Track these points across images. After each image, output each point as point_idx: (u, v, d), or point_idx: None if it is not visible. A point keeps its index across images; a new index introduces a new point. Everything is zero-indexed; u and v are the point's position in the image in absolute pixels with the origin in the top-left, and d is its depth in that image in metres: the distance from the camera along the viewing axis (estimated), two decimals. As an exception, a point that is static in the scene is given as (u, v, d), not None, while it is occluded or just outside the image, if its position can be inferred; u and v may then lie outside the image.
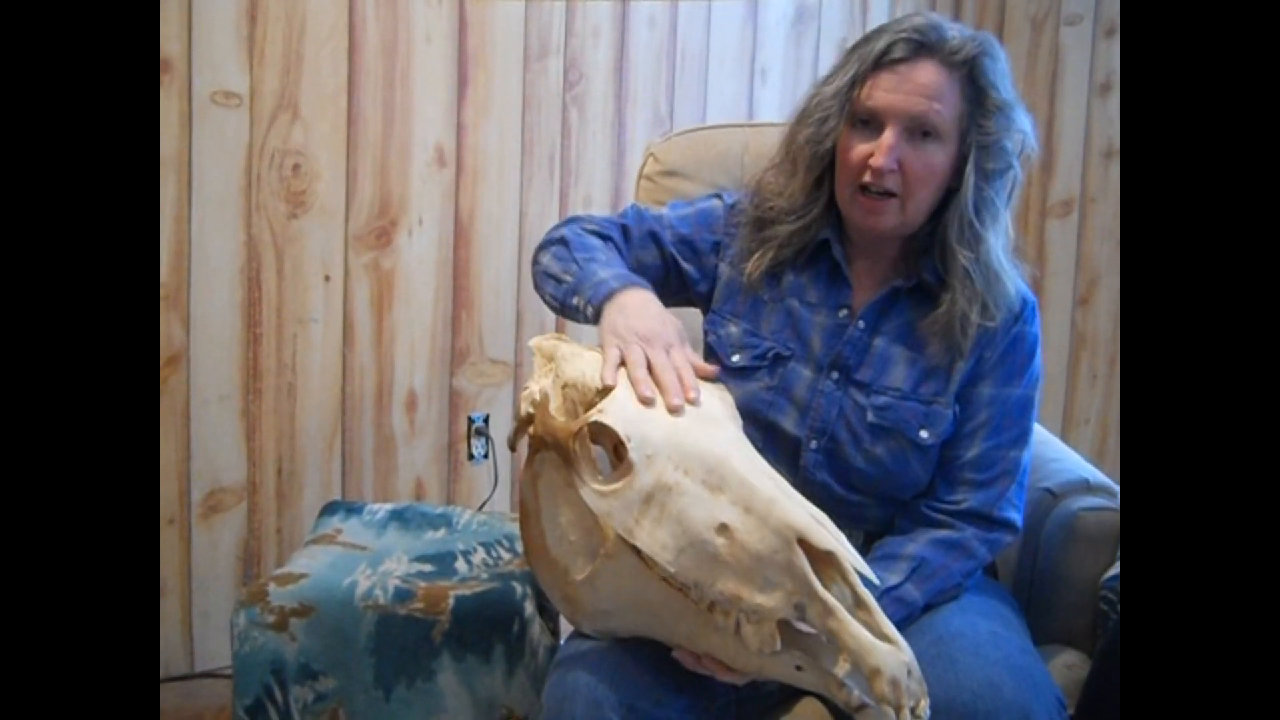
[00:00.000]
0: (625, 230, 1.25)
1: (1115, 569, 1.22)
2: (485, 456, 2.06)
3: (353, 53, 1.83)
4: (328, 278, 1.87)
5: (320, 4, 1.79)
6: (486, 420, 2.06)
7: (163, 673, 1.82)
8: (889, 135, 1.08)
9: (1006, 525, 1.14)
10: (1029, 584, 1.25)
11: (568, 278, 1.15)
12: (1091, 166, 2.63)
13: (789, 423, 1.16)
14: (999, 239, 1.13)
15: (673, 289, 1.24)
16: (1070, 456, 1.36)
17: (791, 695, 1.13)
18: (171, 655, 1.82)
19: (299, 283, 1.84)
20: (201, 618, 1.83)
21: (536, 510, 1.03)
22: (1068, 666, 1.19)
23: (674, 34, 2.17)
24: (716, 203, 1.26)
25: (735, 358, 1.19)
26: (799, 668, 0.94)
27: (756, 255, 1.19)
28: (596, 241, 1.20)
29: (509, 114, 2.01)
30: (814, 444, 1.15)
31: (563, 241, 1.19)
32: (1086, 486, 1.24)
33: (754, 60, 2.27)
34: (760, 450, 1.16)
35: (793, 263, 1.19)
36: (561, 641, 1.29)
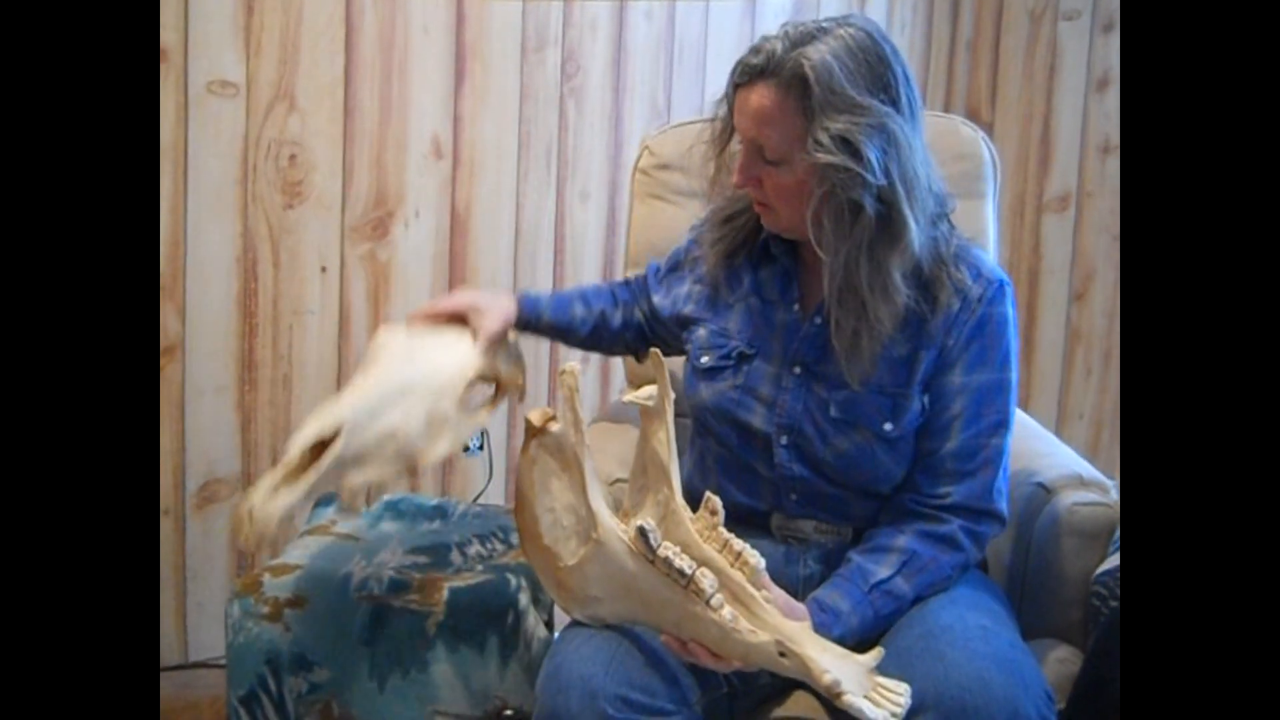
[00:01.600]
0: (628, 282, 1.40)
1: (1107, 564, 1.22)
2: (480, 449, 2.06)
3: (350, 43, 1.83)
4: (324, 269, 1.86)
5: (317, -6, 1.79)
6: (482, 412, 2.06)
7: (158, 663, 1.82)
8: (741, 155, 1.12)
9: (993, 516, 1.14)
10: (1021, 578, 1.26)
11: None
12: (1088, 162, 2.63)
13: (758, 420, 1.16)
14: (880, 261, 1.07)
15: (668, 330, 1.33)
16: (1063, 451, 1.36)
17: (785, 687, 1.13)
18: (166, 646, 1.82)
19: (295, 274, 1.84)
20: (196, 608, 1.83)
21: (532, 497, 1.06)
22: (1059, 661, 1.19)
23: (672, 26, 2.17)
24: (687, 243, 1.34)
25: (704, 359, 1.21)
26: (782, 654, 0.96)
27: (714, 244, 1.24)
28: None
29: (506, 106, 2.00)
30: (784, 439, 1.16)
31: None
32: (1079, 481, 1.24)
33: (752, 53, 2.27)
34: (735, 447, 1.19)
35: (749, 259, 1.22)
36: (556, 634, 1.29)
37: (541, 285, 2.10)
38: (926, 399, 1.13)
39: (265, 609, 1.29)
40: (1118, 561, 1.24)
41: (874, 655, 0.99)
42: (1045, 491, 1.25)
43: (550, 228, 2.09)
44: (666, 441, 1.06)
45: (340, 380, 1.91)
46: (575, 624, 1.09)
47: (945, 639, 1.00)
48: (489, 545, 1.45)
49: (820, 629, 1.03)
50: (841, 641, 1.03)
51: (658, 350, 1.08)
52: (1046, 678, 1.01)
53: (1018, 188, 2.66)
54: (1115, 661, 1.12)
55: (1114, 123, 2.61)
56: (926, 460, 1.14)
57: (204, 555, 1.83)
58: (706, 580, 0.98)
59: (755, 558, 1.01)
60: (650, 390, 1.07)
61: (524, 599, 1.35)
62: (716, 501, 1.04)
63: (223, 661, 1.37)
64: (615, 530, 1.02)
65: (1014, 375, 1.15)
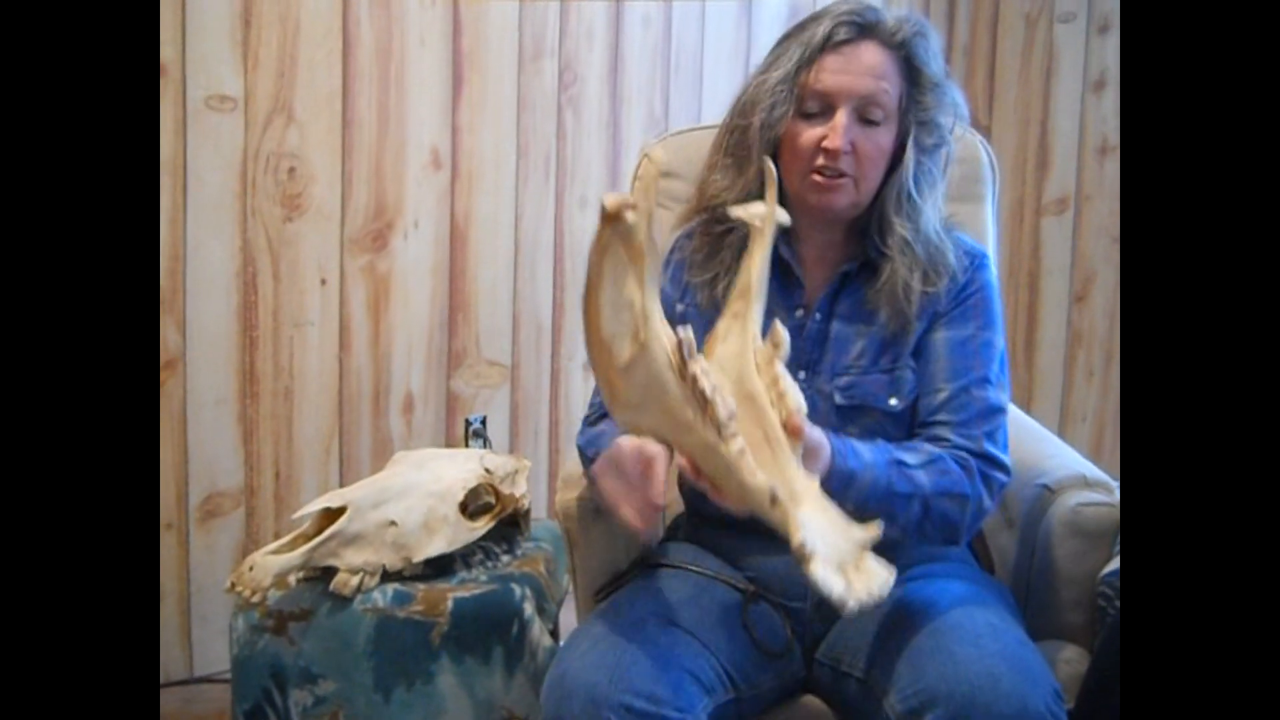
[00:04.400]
0: None
1: (1113, 564, 1.22)
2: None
3: (347, 55, 1.83)
4: (324, 281, 1.87)
5: (314, 7, 1.79)
6: (484, 422, 2.06)
7: (162, 678, 1.81)
8: (841, 117, 1.10)
9: (996, 463, 1.12)
10: (1027, 580, 1.25)
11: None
12: (1086, 163, 2.63)
13: None
14: (934, 211, 1.15)
15: None
16: (1067, 452, 1.36)
17: (788, 694, 1.12)
18: (170, 660, 1.82)
19: (295, 286, 1.84)
20: (200, 622, 1.83)
21: (598, 283, 0.96)
22: (1066, 662, 1.19)
23: (668, 33, 2.18)
24: None
25: None
26: (772, 501, 0.88)
27: (724, 278, 1.16)
28: (595, 429, 1.23)
29: (504, 116, 2.01)
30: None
31: (581, 454, 1.23)
32: (1084, 482, 1.24)
33: (749, 59, 2.27)
34: None
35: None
36: (561, 643, 1.28)
37: (541, 293, 2.10)
38: (914, 363, 1.14)
39: (270, 622, 1.29)
40: (1123, 562, 1.24)
41: (872, 530, 0.92)
42: (1049, 492, 1.25)
43: (550, 236, 2.10)
44: (760, 262, 1.01)
45: (341, 392, 1.91)
46: (580, 630, 1.08)
47: (954, 636, 1.00)
48: (493, 555, 1.45)
49: (836, 456, 1.02)
50: (852, 479, 1.01)
51: (770, 162, 1.04)
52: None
53: (1016, 191, 2.67)
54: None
55: (1111, 124, 2.61)
56: (921, 418, 1.14)
57: (207, 569, 1.82)
58: (724, 408, 0.90)
59: (796, 399, 0.96)
60: (760, 208, 1.03)
61: (529, 609, 1.35)
62: (782, 333, 0.99)
63: (227, 676, 1.37)
64: (660, 335, 0.94)
65: (998, 339, 1.16)
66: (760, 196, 1.15)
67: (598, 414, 1.25)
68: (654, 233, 0.95)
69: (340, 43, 1.82)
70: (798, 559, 0.85)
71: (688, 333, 0.92)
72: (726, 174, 1.18)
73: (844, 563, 0.86)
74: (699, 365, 0.90)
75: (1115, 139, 2.60)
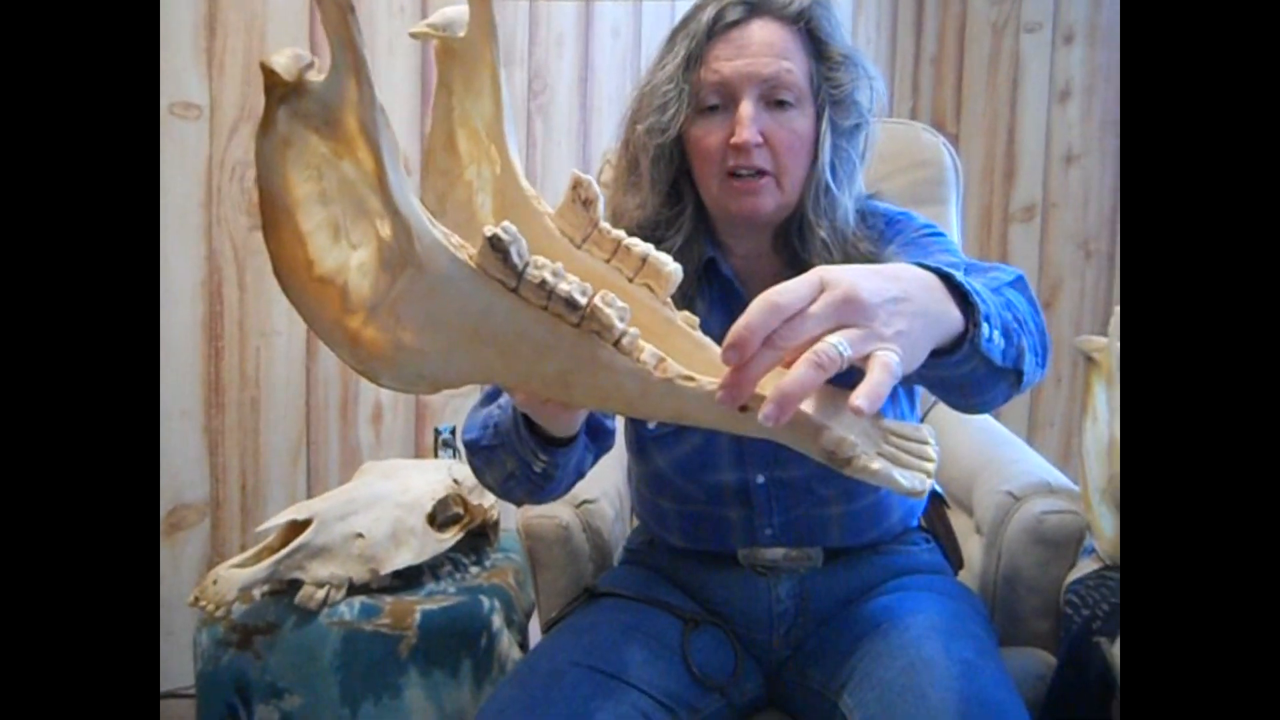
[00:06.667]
0: None
1: (1079, 572, 1.23)
2: (454, 455, 2.05)
3: (314, 63, 1.82)
4: (291, 290, 1.85)
5: (281, 13, 1.78)
6: (454, 432, 2.05)
7: (126, 693, 1.79)
8: (746, 106, 0.97)
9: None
10: (993, 586, 1.26)
11: (497, 442, 0.93)
12: (1052, 172, 2.66)
13: (728, 475, 1.06)
14: (851, 201, 1.02)
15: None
16: (1031, 458, 1.37)
17: (747, 712, 1.08)
18: (135, 675, 1.80)
19: (261, 295, 1.82)
20: (165, 636, 1.81)
21: (290, 202, 0.64)
22: (1037, 677, 1.18)
23: (638, 41, 2.18)
24: None
25: (652, 424, 1.06)
26: (743, 407, 0.61)
27: None
28: (481, 412, 1.00)
29: (473, 124, 2.00)
30: (760, 478, 1.06)
31: (470, 448, 0.99)
32: (1048, 489, 1.25)
33: (718, 69, 2.28)
34: (704, 502, 1.07)
35: (684, 296, 1.04)
36: (529, 654, 1.27)
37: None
38: None
39: (234, 636, 1.27)
40: (1090, 569, 1.25)
41: (861, 396, 0.58)
42: (1013, 499, 1.26)
43: (519, 245, 2.09)
44: (492, 91, 0.72)
45: (308, 402, 1.89)
46: (499, 689, 0.96)
47: (928, 676, 0.91)
48: (461, 567, 1.44)
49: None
50: (986, 324, 0.72)
51: None
52: (1026, 700, 0.96)
53: (984, 199, 2.69)
54: (1086, 670, 1.12)
55: (1076, 133, 2.64)
56: None
57: (172, 583, 1.80)
58: (613, 310, 0.62)
59: (668, 263, 0.69)
60: (455, 12, 0.73)
61: (497, 621, 1.34)
62: (588, 184, 0.70)
63: (192, 691, 1.35)
64: (444, 244, 0.62)
65: (954, 246, 1.02)
66: (678, 216, 1.04)
67: (483, 397, 1.02)
68: (375, 95, 0.64)
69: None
70: (837, 461, 0.60)
71: (508, 226, 0.61)
72: (631, 193, 1.05)
73: (874, 443, 0.63)
74: (545, 267, 0.62)
75: (1080, 147, 2.63)
